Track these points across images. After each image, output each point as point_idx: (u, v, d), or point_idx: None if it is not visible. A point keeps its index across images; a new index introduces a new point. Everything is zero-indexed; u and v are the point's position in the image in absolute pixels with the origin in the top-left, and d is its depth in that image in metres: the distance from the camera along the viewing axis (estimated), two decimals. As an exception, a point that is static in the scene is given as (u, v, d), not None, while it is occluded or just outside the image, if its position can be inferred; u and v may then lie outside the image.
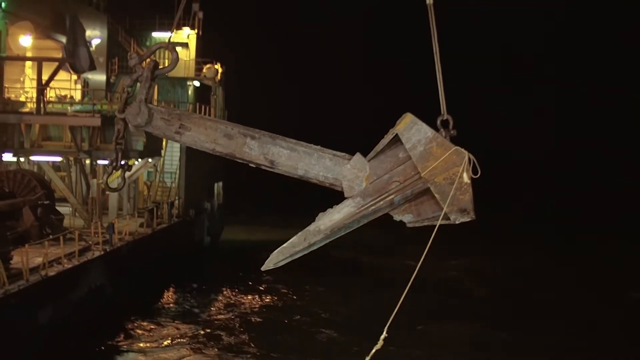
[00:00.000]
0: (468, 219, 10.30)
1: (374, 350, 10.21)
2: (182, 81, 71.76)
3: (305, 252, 10.61)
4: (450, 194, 10.16)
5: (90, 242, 42.25)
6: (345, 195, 10.63)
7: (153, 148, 56.14)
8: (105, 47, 64.65)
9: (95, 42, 63.28)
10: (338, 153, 10.64)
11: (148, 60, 11.04)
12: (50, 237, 38.81)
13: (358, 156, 10.62)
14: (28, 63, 56.49)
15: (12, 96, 53.50)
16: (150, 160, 57.17)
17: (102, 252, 41.43)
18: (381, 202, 10.49)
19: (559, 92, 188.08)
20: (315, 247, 10.57)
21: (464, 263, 67.25)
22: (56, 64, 53.70)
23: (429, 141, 10.22)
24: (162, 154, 60.96)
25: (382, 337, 10.15)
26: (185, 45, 76.31)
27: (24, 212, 40.95)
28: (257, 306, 50.31)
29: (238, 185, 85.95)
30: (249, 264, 65.20)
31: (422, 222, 10.64)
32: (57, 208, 45.90)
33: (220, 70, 75.56)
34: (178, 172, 61.98)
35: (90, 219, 49.08)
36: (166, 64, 11.43)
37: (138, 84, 11.11)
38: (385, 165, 10.54)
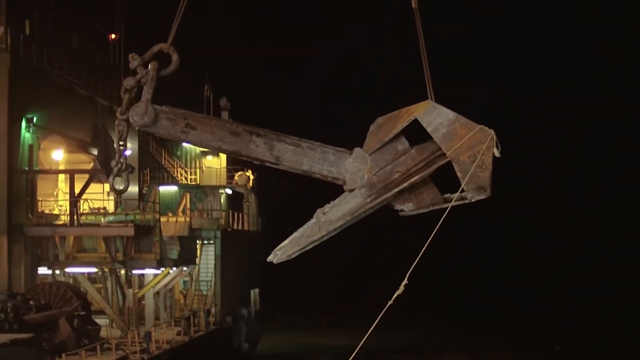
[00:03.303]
0: (484, 197, 10.77)
1: (395, 295, 10.79)
2: (214, 189, 71.91)
3: (317, 243, 11.04)
4: (471, 171, 10.62)
5: (128, 352, 41.79)
6: (347, 188, 11.06)
7: (187, 256, 55.91)
8: (137, 158, 65.06)
9: (126, 153, 63.72)
10: (339, 148, 11.08)
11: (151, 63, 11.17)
12: (88, 346, 38.43)
13: (359, 150, 11.10)
14: (61, 177, 56.94)
15: (46, 210, 53.70)
16: (185, 268, 56.91)
17: (140, 361, 40.91)
18: (388, 194, 10.89)
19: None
20: (326, 237, 11.02)
21: None
22: (88, 176, 53.98)
23: (452, 122, 10.74)
24: (197, 262, 60.63)
25: (403, 283, 10.78)
26: (216, 153, 76.68)
27: (60, 324, 40.79)
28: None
29: (274, 291, 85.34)
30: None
31: (425, 209, 11.18)
32: (95, 319, 45.68)
33: (252, 177, 75.75)
34: (213, 279, 61.56)
35: (127, 329, 48.62)
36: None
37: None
38: (386, 158, 11.00)
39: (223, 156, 77.27)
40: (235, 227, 68.08)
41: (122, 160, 11.43)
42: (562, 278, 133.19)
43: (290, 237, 11.17)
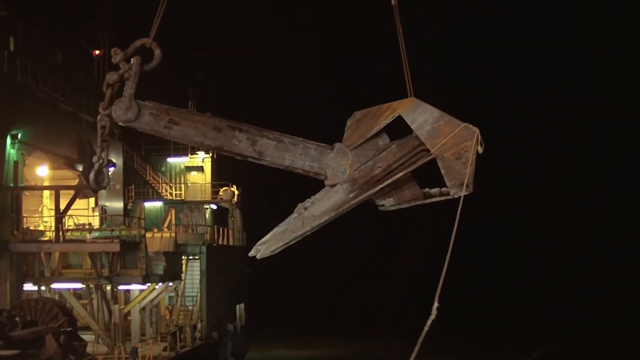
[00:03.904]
0: (467, 193, 10.83)
1: (429, 321, 10.73)
2: (199, 204, 71.89)
3: (300, 238, 11.08)
4: (455, 169, 10.76)
5: (115, 367, 41.67)
6: (328, 183, 11.12)
7: (173, 272, 55.72)
8: (122, 174, 64.95)
9: (111, 169, 63.57)
10: (320, 144, 11.17)
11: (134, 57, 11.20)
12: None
13: (340, 145, 11.18)
14: (46, 193, 56.74)
15: (31, 226, 53.51)
16: (170, 284, 56.73)
17: (127, 376, 40.78)
18: (371, 190, 10.97)
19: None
20: (309, 233, 11.07)
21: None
22: (73, 192, 53.81)
23: (436, 120, 10.80)
24: (183, 277, 60.52)
25: (435, 306, 10.77)
26: (200, 169, 76.75)
27: (46, 340, 40.58)
28: None
29: (259, 306, 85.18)
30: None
31: (406, 204, 11.33)
32: (81, 335, 45.49)
33: (236, 192, 75.73)
34: (199, 294, 61.51)
35: (113, 345, 48.46)
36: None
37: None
38: (367, 153, 11.09)
39: (208, 172, 77.33)
40: (220, 243, 68.05)
41: (103, 156, 11.46)
42: (562, 278, 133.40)
43: (272, 232, 11.17)
